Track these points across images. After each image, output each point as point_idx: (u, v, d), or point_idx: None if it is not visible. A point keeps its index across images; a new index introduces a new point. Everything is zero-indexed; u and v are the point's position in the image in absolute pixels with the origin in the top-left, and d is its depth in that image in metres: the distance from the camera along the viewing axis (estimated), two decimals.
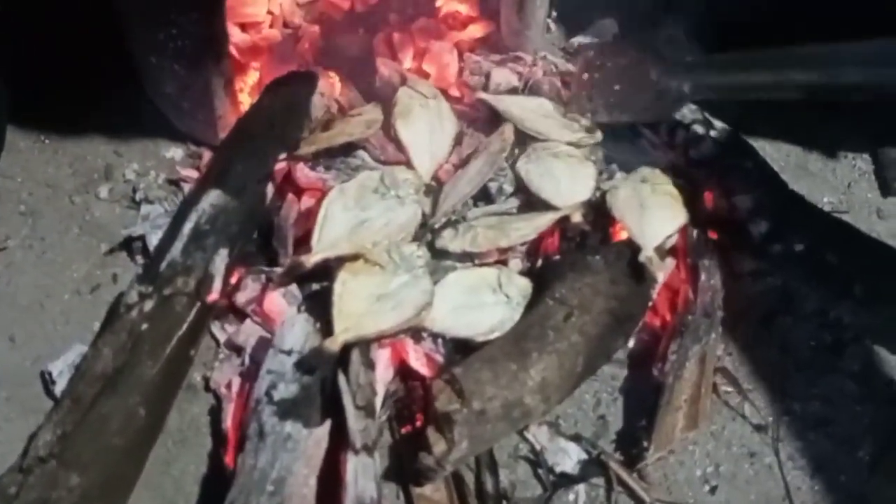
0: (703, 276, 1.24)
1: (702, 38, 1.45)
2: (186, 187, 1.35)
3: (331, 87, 1.42)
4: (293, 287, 1.20)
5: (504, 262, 1.24)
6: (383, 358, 1.13)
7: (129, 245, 1.30)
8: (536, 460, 1.14)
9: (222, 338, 1.21)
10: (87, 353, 1.09)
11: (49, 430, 1.00)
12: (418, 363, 1.14)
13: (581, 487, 1.12)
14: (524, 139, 1.36)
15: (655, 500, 1.11)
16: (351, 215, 1.19)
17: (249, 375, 1.14)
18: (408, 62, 1.49)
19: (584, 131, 1.37)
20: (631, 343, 1.22)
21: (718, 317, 1.22)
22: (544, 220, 1.25)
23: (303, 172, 1.28)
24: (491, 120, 1.40)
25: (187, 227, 1.14)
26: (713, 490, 1.14)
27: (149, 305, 1.08)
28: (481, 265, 1.23)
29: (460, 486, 1.09)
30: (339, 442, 1.03)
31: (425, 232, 1.26)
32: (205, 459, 1.13)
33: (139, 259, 1.29)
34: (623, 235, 1.27)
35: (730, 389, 1.21)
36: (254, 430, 1.04)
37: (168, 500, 1.10)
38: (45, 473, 0.97)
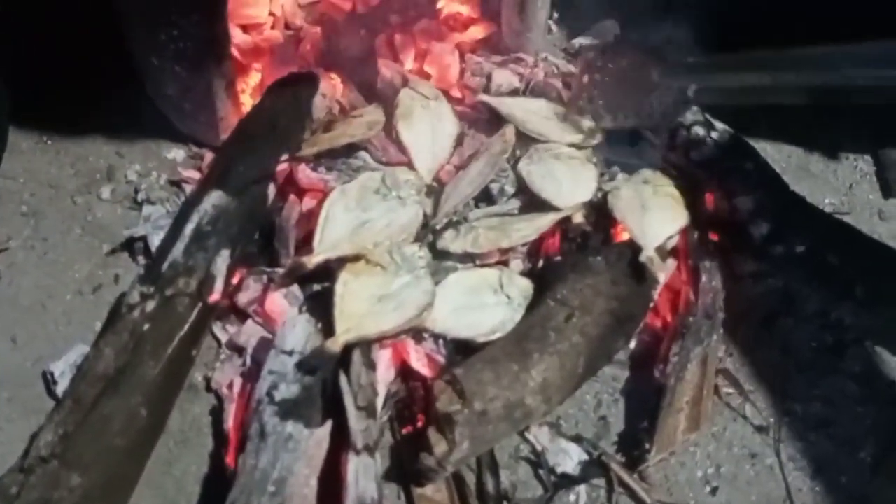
0: (704, 278, 1.24)
1: (702, 38, 1.44)
2: (188, 188, 1.35)
3: (332, 88, 1.42)
4: (294, 288, 1.20)
5: (505, 263, 1.24)
6: (384, 358, 1.14)
7: (131, 246, 1.30)
8: (537, 461, 1.14)
9: (224, 338, 1.21)
10: (89, 353, 1.09)
11: (50, 430, 1.00)
12: (419, 364, 1.14)
13: (582, 488, 1.12)
14: (525, 140, 1.37)
15: (656, 502, 1.11)
16: (352, 216, 1.19)
17: (251, 376, 1.14)
18: (409, 63, 1.49)
19: (585, 133, 1.37)
20: (632, 344, 1.22)
21: (720, 318, 1.22)
22: (545, 221, 1.25)
23: (304, 173, 1.28)
24: (492, 121, 1.40)
25: (189, 228, 1.14)
26: (714, 491, 1.14)
27: (150, 306, 1.08)
28: (482, 266, 1.23)
29: (461, 486, 1.09)
30: (341, 442, 1.03)
31: (427, 233, 1.26)
32: (206, 459, 1.13)
33: (141, 260, 1.29)
34: (624, 236, 1.27)
35: (731, 391, 1.21)
36: (255, 431, 1.04)
37: (169, 501, 1.10)
38: (46, 473, 0.97)
